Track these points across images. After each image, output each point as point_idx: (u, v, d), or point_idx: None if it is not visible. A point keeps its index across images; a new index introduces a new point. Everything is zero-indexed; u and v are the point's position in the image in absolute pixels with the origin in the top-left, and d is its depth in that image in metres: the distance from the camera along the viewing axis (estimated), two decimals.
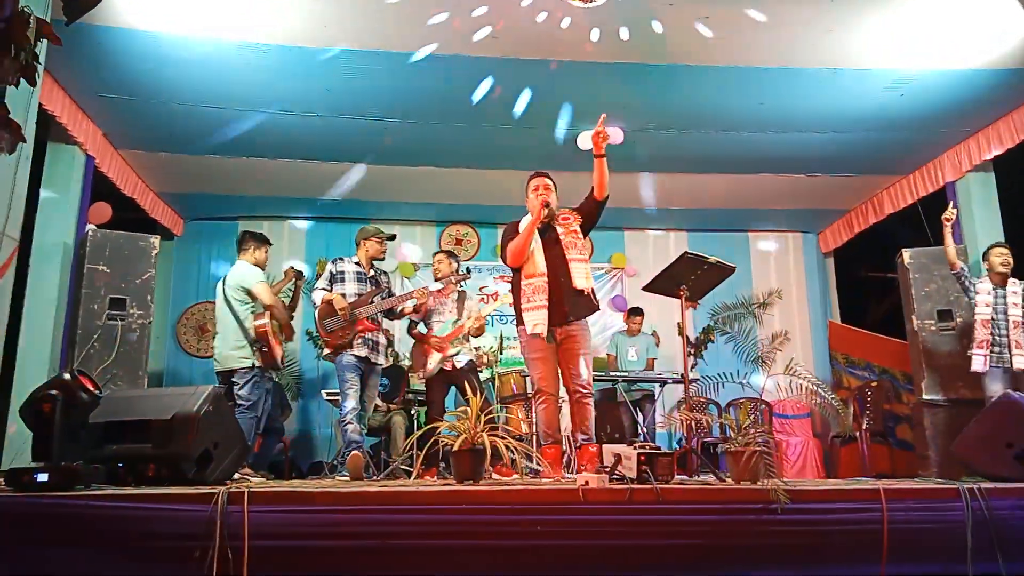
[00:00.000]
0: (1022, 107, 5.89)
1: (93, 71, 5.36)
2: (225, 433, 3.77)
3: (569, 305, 4.27)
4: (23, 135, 3.65)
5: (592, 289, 4.37)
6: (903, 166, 7.22)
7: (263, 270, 5.55)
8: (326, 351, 5.22)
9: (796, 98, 5.91)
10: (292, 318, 6.75)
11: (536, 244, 4.36)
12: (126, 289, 5.49)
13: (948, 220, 5.49)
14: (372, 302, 5.17)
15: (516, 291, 4.43)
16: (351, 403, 5.03)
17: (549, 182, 4.52)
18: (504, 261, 4.53)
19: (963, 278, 5.50)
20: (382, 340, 5.28)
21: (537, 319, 4.21)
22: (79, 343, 5.29)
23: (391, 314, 5.37)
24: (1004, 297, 5.32)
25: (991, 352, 5.27)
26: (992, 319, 5.30)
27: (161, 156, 6.82)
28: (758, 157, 6.93)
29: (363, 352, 5.10)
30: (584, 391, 4.29)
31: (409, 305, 5.32)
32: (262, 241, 5.63)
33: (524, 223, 4.44)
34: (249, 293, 5.31)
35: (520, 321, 4.34)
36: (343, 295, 5.15)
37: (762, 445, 3.48)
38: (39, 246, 5.58)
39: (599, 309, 4.52)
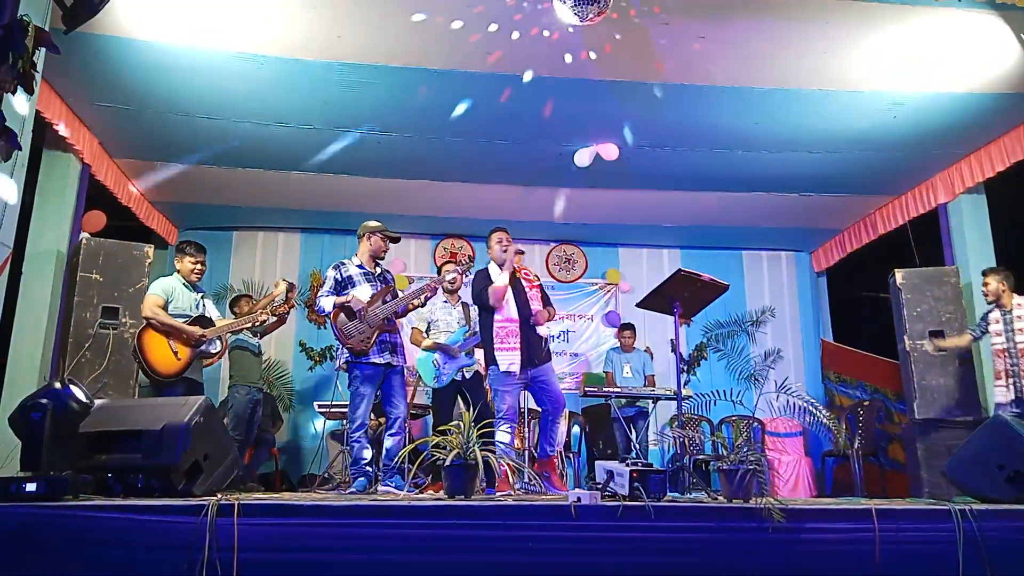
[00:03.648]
0: (1014, 131, 5.95)
1: (91, 80, 5.36)
2: (215, 445, 3.75)
3: (535, 351, 4.86)
4: (19, 142, 3.66)
5: (547, 338, 5.01)
6: (896, 187, 7.27)
7: (196, 277, 5.40)
8: (340, 361, 5.04)
9: (790, 118, 5.95)
10: (275, 328, 6.68)
11: (509, 292, 4.87)
12: (119, 298, 5.47)
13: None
14: (385, 302, 4.94)
15: (487, 332, 4.87)
16: (361, 418, 4.81)
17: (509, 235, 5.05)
18: (482, 303, 4.92)
19: (979, 333, 5.56)
20: (400, 341, 5.02)
21: (512, 358, 4.74)
22: (70, 351, 5.26)
23: (398, 312, 5.08)
24: (1011, 322, 5.34)
25: (1010, 382, 5.25)
26: (1006, 348, 5.31)
27: (157, 166, 6.81)
28: (752, 176, 6.97)
29: (384, 358, 4.86)
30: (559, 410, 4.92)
31: (416, 301, 5.11)
32: (189, 248, 5.40)
33: (493, 272, 4.93)
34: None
35: (492, 360, 4.81)
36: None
37: (754, 463, 3.49)
38: (32, 253, 5.56)
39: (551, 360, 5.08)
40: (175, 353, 5.07)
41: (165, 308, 5.11)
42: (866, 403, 7.20)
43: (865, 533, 3.16)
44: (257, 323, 5.85)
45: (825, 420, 4.13)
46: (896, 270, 6.12)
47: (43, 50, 3.71)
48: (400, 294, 5.09)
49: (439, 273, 5.67)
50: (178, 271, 5.35)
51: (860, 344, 8.37)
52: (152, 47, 5.01)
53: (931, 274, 6.00)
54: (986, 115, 5.76)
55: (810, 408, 4.11)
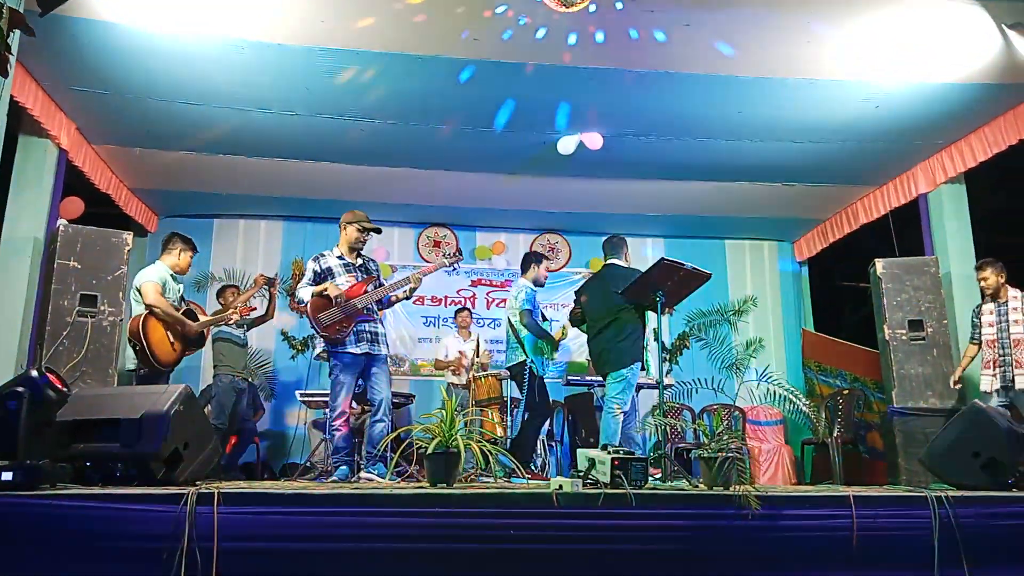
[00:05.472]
0: (994, 121, 5.99)
1: (67, 64, 5.27)
2: (196, 433, 3.72)
3: None
4: None
5: None
6: (877, 177, 7.32)
7: (183, 274, 5.50)
8: (318, 350, 5.01)
9: (773, 108, 5.96)
10: (262, 322, 6.73)
11: None
12: (97, 286, 5.38)
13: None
14: (366, 291, 4.93)
15: (634, 334, 5.32)
16: (341, 406, 4.80)
17: None
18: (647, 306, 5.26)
19: (978, 334, 5.59)
20: (380, 330, 5.01)
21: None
22: (48, 340, 5.18)
23: (381, 303, 5.12)
24: (1006, 314, 5.43)
25: (998, 372, 5.38)
26: (997, 339, 5.41)
27: (136, 152, 6.73)
28: (735, 165, 6.99)
29: (363, 348, 4.85)
30: None
31: (401, 292, 5.13)
32: (188, 246, 5.51)
33: None
34: (140, 292, 5.19)
35: (635, 359, 5.30)
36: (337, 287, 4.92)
37: (735, 451, 3.52)
38: (9, 240, 5.49)
39: None
40: (172, 344, 5.11)
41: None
42: (846, 392, 7.26)
43: (843, 520, 3.20)
44: (229, 323, 5.89)
45: (805, 408, 4.18)
46: (876, 260, 6.16)
47: (17, 32, 3.64)
48: (384, 283, 5.07)
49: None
50: (177, 261, 5.44)
51: (841, 333, 8.44)
52: (130, 31, 4.93)
53: (911, 264, 6.04)
54: (967, 105, 5.80)
55: (790, 396, 4.15)
